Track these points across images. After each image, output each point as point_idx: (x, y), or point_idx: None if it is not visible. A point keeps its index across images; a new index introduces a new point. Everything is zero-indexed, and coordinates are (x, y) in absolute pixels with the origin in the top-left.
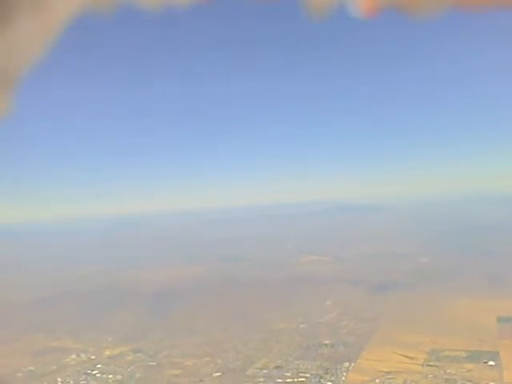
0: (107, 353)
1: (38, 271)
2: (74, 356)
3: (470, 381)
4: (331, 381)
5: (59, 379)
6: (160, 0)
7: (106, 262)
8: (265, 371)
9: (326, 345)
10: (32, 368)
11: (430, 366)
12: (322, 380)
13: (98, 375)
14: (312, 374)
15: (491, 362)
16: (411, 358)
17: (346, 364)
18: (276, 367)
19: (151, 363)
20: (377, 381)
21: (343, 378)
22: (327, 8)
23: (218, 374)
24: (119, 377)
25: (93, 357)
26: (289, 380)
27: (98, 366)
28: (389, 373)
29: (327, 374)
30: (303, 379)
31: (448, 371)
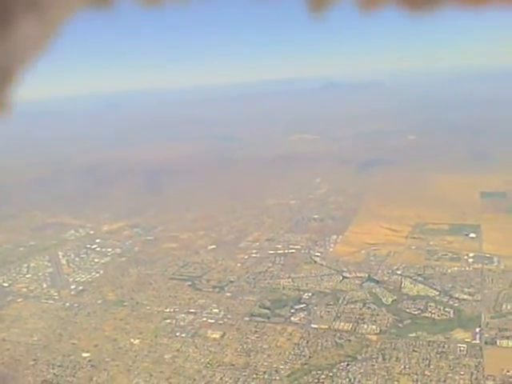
0: (105, 228)
1: (33, 152)
2: (72, 231)
3: (450, 251)
4: (320, 252)
5: (60, 253)
6: None
7: (98, 141)
8: (257, 243)
9: (314, 219)
10: (33, 243)
11: (414, 238)
12: (311, 251)
13: (97, 249)
14: (302, 246)
15: (472, 235)
16: (396, 231)
17: (334, 237)
18: (267, 240)
19: (148, 237)
20: (362, 252)
21: (331, 250)
22: (327, 3)
23: (212, 246)
24: (118, 250)
25: (91, 232)
26: (280, 251)
27: (97, 240)
28: (374, 244)
29: (316, 245)
30: (293, 251)
31: (431, 243)
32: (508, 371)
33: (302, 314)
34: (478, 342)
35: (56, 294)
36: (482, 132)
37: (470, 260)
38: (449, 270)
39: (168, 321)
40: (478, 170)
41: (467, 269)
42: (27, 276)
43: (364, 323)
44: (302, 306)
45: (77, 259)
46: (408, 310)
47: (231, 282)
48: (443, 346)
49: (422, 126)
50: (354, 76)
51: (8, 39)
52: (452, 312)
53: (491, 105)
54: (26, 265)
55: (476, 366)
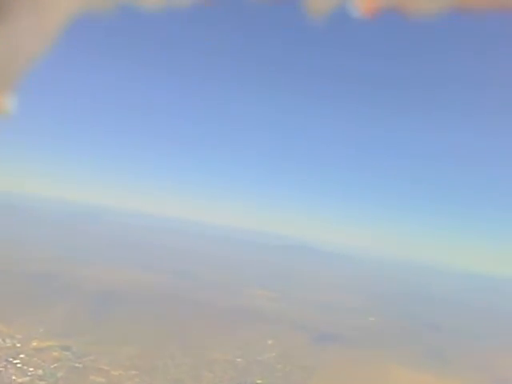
0: (34, 344)
1: None
2: None
3: None
4: None
5: None
6: (161, 0)
7: (53, 249)
8: None
9: None
10: None
11: None
12: None
13: (18, 365)
14: None
15: None
16: None
17: None
18: None
19: (77, 365)
20: None
21: None
22: (327, 9)
23: None
24: (40, 372)
25: (18, 344)
26: None
27: (21, 355)
28: None
29: None
30: None
31: None
32: None
33: None
34: None
35: None
36: (442, 329)
37: None
38: None
39: None
40: (433, 369)
41: None
42: None
43: None
44: None
45: None
46: None
47: None
48: None
49: (383, 309)
50: (330, 244)
51: (8, 39)
52: None
53: (455, 303)
54: None
55: None
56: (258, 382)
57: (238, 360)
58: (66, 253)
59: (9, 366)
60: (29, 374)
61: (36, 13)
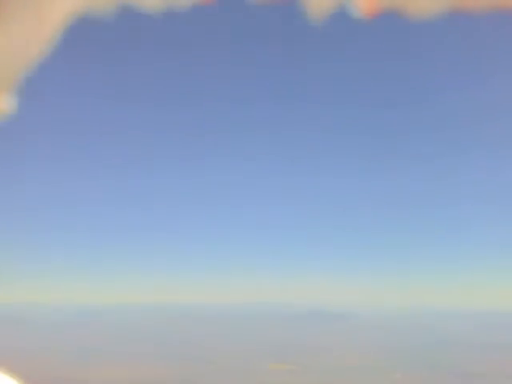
0: None
1: None
2: None
3: None
4: None
5: None
6: (161, 1)
7: (59, 356)
8: None
9: None
10: None
11: None
12: None
13: None
14: None
15: None
16: None
17: None
18: None
19: None
20: None
21: None
22: (327, 9)
23: None
24: None
25: None
26: None
27: None
28: None
29: None
30: None
31: None
32: None
33: None
34: None
35: None
36: (470, 375)
37: None
38: None
39: None
40: None
41: None
42: None
43: None
44: None
45: None
46: None
47: None
48: None
49: (407, 363)
50: (339, 305)
51: (7, 39)
52: None
53: (480, 346)
54: None
55: None
56: None
57: None
58: (74, 358)
59: None
60: None
61: (36, 13)
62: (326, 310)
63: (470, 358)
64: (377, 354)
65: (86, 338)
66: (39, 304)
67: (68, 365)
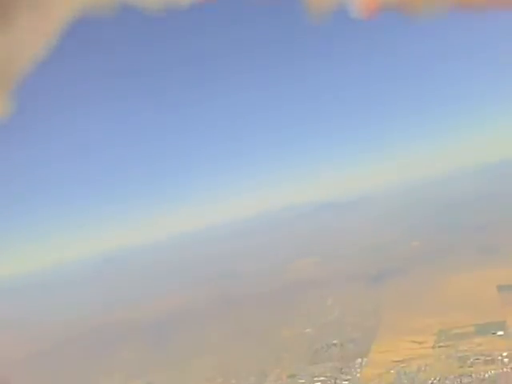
0: None
1: (37, 324)
2: None
3: (482, 354)
4: (347, 380)
5: None
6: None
7: (101, 302)
8: (279, 382)
9: (334, 345)
10: None
11: (441, 346)
12: (337, 381)
13: None
14: (327, 377)
15: (500, 332)
16: (421, 343)
17: (359, 360)
18: (289, 376)
19: None
20: (392, 371)
21: (358, 375)
22: (327, 8)
23: None
24: None
25: None
26: None
27: None
28: (402, 361)
29: (341, 373)
30: (319, 383)
31: (460, 349)
32: None
33: None
34: None
35: None
36: (485, 226)
37: (506, 360)
38: (486, 375)
39: None
40: (490, 264)
41: (504, 370)
42: None
43: None
44: None
45: None
46: None
47: None
48: None
49: (422, 231)
50: (349, 193)
51: (9, 39)
52: None
53: (490, 198)
54: None
55: None
56: (334, 341)
57: (307, 330)
58: (111, 302)
59: None
60: None
61: (36, 12)
62: (336, 201)
63: (478, 212)
64: (392, 230)
65: (121, 281)
66: (63, 259)
67: (107, 308)
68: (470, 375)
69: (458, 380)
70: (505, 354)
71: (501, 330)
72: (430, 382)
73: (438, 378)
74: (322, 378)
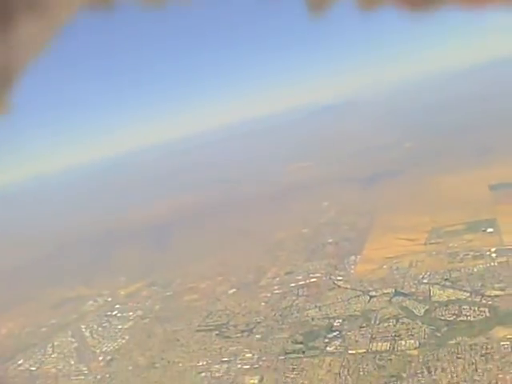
0: (122, 292)
1: (38, 228)
2: (91, 302)
3: (472, 250)
4: (341, 275)
5: (82, 326)
6: None
7: (102, 207)
8: (277, 279)
9: (330, 243)
10: (54, 321)
11: (433, 243)
12: (332, 277)
13: (118, 315)
14: (322, 273)
15: (490, 229)
16: (413, 240)
17: (353, 257)
18: (287, 273)
19: (167, 293)
20: (384, 267)
21: (352, 271)
22: (326, 4)
23: (232, 290)
24: (140, 312)
25: (109, 299)
26: (301, 283)
27: (117, 306)
28: (394, 257)
29: (336, 270)
30: (315, 279)
31: (450, 245)
32: None
33: (336, 342)
34: None
35: (85, 368)
36: (479, 127)
37: (494, 255)
38: (475, 269)
39: (203, 374)
40: (483, 164)
41: (492, 264)
42: (53, 356)
43: (401, 339)
44: (334, 333)
45: (100, 329)
46: (443, 318)
47: (258, 323)
48: (486, 347)
49: (415, 133)
50: (340, 96)
51: (9, 39)
52: (487, 310)
53: (480, 101)
54: (50, 345)
55: None
56: (330, 240)
57: (304, 231)
58: (112, 205)
59: (111, 319)
60: (131, 318)
61: (36, 12)
62: (327, 104)
63: (472, 113)
64: (386, 132)
65: (120, 186)
66: (66, 169)
67: (109, 211)
68: (459, 270)
69: (448, 274)
70: (493, 249)
71: (491, 227)
72: (420, 276)
73: (428, 273)
74: (317, 275)
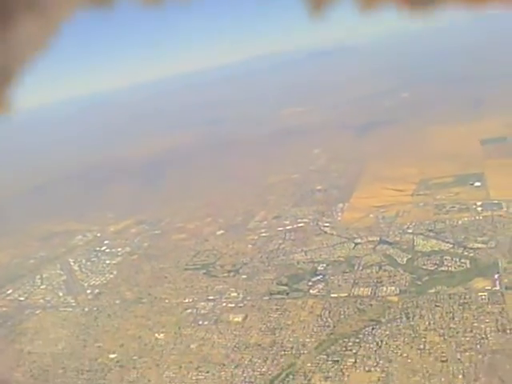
0: (112, 229)
1: (23, 162)
2: (80, 237)
3: (458, 203)
4: (328, 222)
5: (71, 260)
6: None
7: (89, 143)
8: (265, 222)
9: (319, 190)
10: (42, 253)
11: (420, 195)
12: (319, 223)
13: (107, 250)
14: (310, 219)
15: (477, 183)
16: (401, 191)
17: (340, 205)
18: (275, 217)
19: (156, 232)
20: (371, 216)
21: (339, 218)
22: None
23: (220, 231)
24: (128, 249)
25: (98, 234)
26: (289, 227)
27: (106, 241)
28: (381, 207)
29: (324, 216)
30: (302, 224)
31: (437, 197)
32: None
33: (320, 286)
34: (498, 288)
35: (73, 300)
36: (474, 79)
37: (479, 209)
38: (459, 222)
39: (189, 311)
40: (475, 117)
41: (477, 218)
42: (42, 287)
43: (383, 286)
44: (318, 277)
45: (88, 263)
46: (424, 267)
47: (245, 264)
48: (464, 297)
49: (412, 83)
50: (336, 41)
51: (8, 39)
52: (468, 262)
53: (477, 52)
54: (38, 276)
55: (500, 312)
56: (319, 187)
57: (294, 176)
58: (104, 141)
59: (100, 254)
60: (119, 254)
61: (36, 12)
62: (323, 49)
63: (468, 64)
64: (384, 81)
65: (109, 123)
66: (54, 104)
67: (100, 148)
68: (444, 222)
69: (433, 226)
70: (479, 203)
71: (478, 182)
72: (405, 226)
73: (413, 224)
74: (305, 220)
